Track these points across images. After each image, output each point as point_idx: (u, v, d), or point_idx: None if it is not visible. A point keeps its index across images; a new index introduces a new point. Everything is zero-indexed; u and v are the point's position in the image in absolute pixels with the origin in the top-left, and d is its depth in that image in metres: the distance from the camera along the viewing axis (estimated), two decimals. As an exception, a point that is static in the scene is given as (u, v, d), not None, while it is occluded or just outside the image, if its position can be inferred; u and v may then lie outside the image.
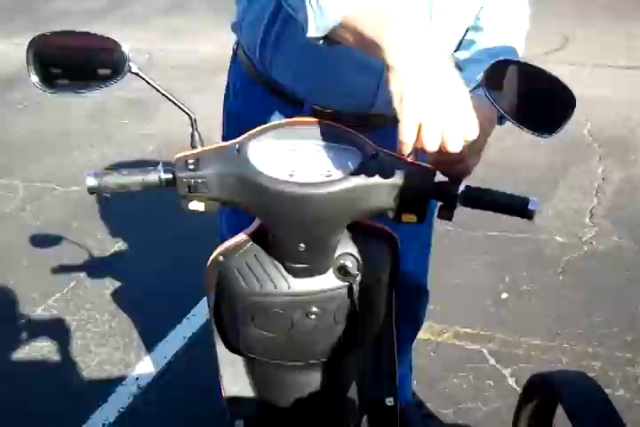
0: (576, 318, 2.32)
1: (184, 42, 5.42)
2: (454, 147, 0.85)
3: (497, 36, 1.26)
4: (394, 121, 0.85)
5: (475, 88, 1.24)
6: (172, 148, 3.62)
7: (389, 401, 1.30)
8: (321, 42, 0.98)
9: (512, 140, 3.54)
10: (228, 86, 1.45)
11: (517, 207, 1.00)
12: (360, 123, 1.28)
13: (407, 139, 0.83)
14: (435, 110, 0.82)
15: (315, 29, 0.94)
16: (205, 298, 2.48)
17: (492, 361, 2.15)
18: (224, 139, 1.41)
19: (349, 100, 1.27)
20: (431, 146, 0.84)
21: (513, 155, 3.44)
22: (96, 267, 2.70)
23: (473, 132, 0.85)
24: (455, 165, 0.99)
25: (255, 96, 1.35)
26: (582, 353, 2.16)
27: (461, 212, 1.02)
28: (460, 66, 1.30)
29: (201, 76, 4.68)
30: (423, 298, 1.70)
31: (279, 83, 1.30)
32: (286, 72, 1.28)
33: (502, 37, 1.27)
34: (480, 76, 0.92)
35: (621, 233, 2.79)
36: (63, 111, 4.24)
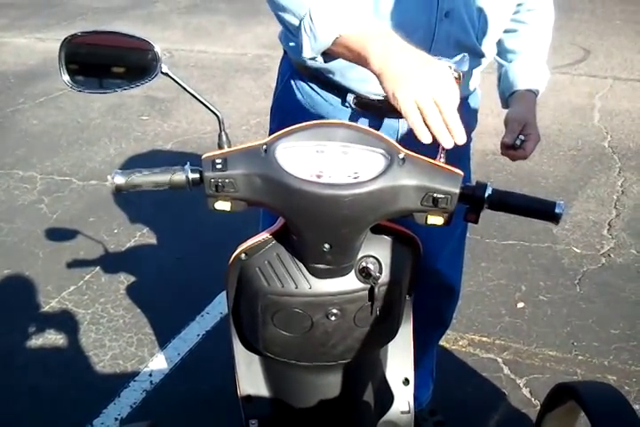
0: (592, 330, 2.30)
1: (204, 42, 5.45)
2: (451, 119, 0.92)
3: (536, 29, 1.47)
4: None
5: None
6: (189, 146, 3.66)
7: (404, 406, 1.29)
8: (316, 59, 1.10)
9: (532, 149, 3.52)
10: (277, 80, 1.48)
11: (544, 210, 1.00)
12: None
13: (417, 122, 0.92)
14: (424, 89, 0.91)
15: (310, 51, 1.08)
16: (220, 296, 2.51)
17: (507, 371, 2.13)
18: (271, 131, 1.44)
19: None
20: (434, 118, 0.91)
21: (532, 164, 3.43)
22: (111, 261, 2.71)
23: (455, 101, 0.93)
24: (518, 152, 1.32)
25: (302, 87, 1.38)
26: (598, 366, 2.14)
27: (479, 219, 1.01)
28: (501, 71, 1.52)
29: (220, 77, 4.71)
30: (453, 298, 1.70)
31: (324, 73, 1.32)
32: (334, 62, 1.30)
33: (540, 31, 1.48)
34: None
35: (640, 246, 2.77)
36: (83, 106, 4.27)
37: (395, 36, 0.98)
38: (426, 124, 0.92)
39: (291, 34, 1.15)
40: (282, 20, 1.15)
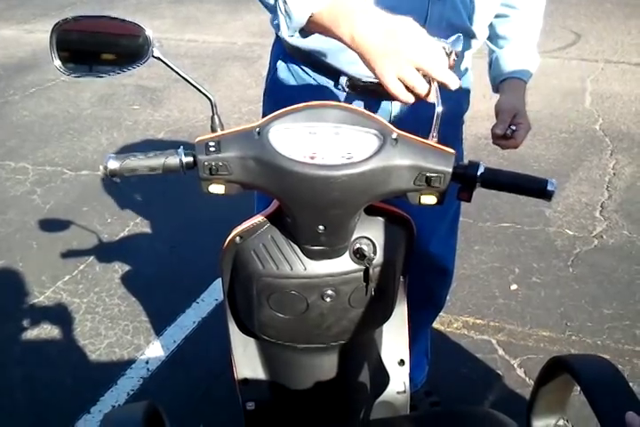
0: (585, 310, 2.32)
1: (194, 31, 5.42)
2: (441, 76, 0.93)
3: (527, 14, 1.46)
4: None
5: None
6: (181, 134, 3.65)
7: (400, 387, 1.30)
8: (295, 36, 1.07)
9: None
10: (269, 65, 1.48)
11: (536, 188, 1.00)
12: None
13: (402, 95, 0.94)
14: (403, 60, 0.92)
15: (287, 30, 1.05)
16: (215, 283, 2.52)
17: (501, 352, 2.15)
18: (264, 115, 1.43)
19: None
20: (421, 88, 0.93)
21: (525, 148, 3.43)
22: (105, 250, 2.71)
23: (442, 62, 0.93)
24: (509, 142, 1.33)
25: (295, 71, 1.38)
26: (591, 345, 2.16)
27: (472, 203, 1.01)
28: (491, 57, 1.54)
29: (211, 66, 4.68)
30: (446, 279, 1.71)
31: (317, 56, 1.32)
32: (325, 45, 1.29)
33: (531, 17, 1.47)
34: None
35: (631, 227, 2.78)
36: (74, 96, 4.25)
37: (369, 12, 0.95)
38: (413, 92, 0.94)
39: (271, 13, 1.13)
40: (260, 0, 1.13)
